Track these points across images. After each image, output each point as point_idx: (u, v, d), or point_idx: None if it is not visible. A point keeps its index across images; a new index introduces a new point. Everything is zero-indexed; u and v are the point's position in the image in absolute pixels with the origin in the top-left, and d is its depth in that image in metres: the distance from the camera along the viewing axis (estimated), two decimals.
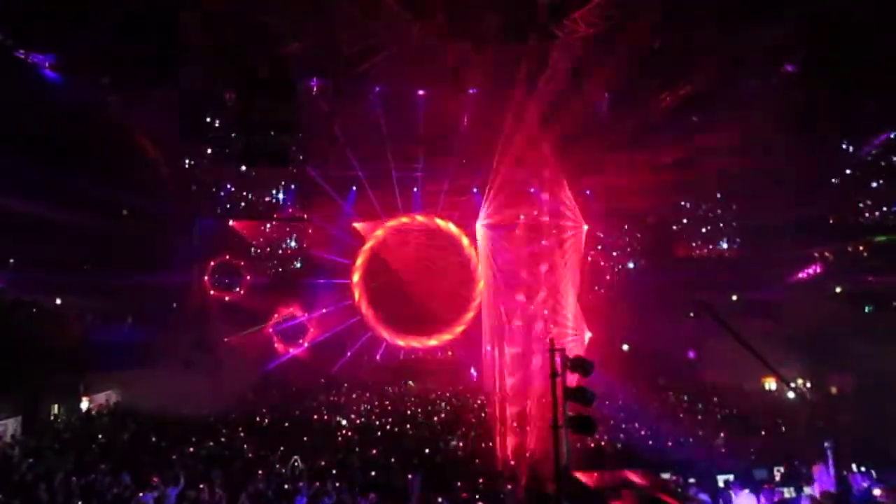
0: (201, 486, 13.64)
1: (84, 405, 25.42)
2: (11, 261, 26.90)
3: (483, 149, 33.40)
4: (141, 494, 13.06)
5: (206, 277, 35.73)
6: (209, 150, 34.09)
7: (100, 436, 20.58)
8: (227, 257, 36.21)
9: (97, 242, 28.24)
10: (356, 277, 35.69)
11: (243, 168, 34.74)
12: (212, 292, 35.69)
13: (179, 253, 33.30)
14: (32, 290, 25.89)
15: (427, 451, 18.44)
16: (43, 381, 21.61)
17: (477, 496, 12.56)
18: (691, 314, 32.38)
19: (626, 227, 37.85)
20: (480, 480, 14.18)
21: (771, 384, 29.70)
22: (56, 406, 23.75)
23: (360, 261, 35.76)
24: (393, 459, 17.46)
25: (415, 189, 36.33)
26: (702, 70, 26.24)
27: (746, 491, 12.21)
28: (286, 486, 13.91)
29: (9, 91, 22.31)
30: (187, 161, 35.00)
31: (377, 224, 35.90)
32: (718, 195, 36.58)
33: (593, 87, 28.46)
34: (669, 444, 18.96)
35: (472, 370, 33.97)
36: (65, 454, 17.30)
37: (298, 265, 37.24)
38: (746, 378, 28.46)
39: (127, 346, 26.79)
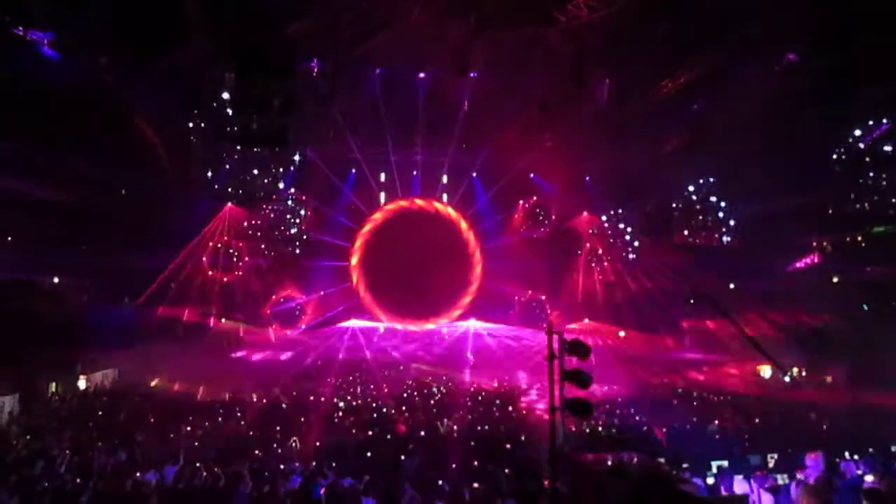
0: (198, 464, 13.70)
1: (81, 384, 25.49)
2: (9, 238, 26.83)
3: (483, 133, 33.39)
4: (138, 473, 13.12)
5: (204, 258, 35.69)
6: (207, 131, 33.95)
7: (99, 413, 20.72)
8: (226, 238, 36.17)
9: (95, 222, 28.17)
10: (354, 260, 35.70)
11: (242, 149, 34.59)
12: (210, 273, 35.66)
13: (178, 233, 33.23)
14: (30, 268, 25.88)
15: (422, 433, 18.56)
16: (40, 360, 21.66)
17: (472, 477, 12.62)
18: (691, 301, 32.46)
19: (625, 213, 37.82)
20: (475, 462, 14.24)
21: (766, 371, 29.87)
22: (54, 384, 23.82)
23: (358, 243, 35.77)
24: (388, 439, 17.60)
25: (414, 172, 36.28)
26: (703, 56, 26.12)
27: (740, 477, 12.27)
28: (282, 467, 13.97)
29: (7, 69, 22.15)
30: (186, 141, 34.84)
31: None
32: (718, 183, 36.58)
33: (594, 72, 28.32)
34: (664, 429, 19.06)
35: (469, 354, 34.08)
36: (62, 432, 17.38)
37: (297, 247, 37.18)
38: (742, 366, 28.65)
39: (124, 326, 26.83)
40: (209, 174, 35.70)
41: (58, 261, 26.99)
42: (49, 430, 17.78)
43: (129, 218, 30.13)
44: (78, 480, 12.70)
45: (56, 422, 19.28)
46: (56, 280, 28.25)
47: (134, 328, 26.82)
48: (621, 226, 37.88)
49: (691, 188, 36.84)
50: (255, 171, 36.54)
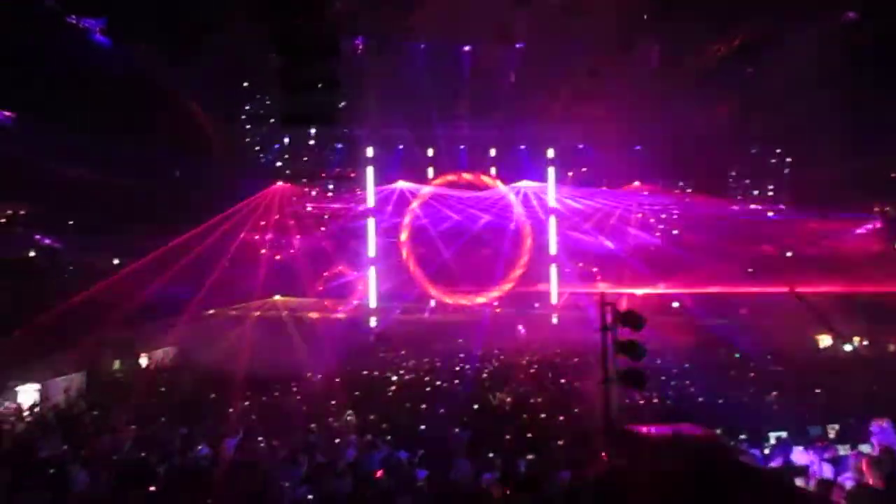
0: (258, 438, 14.02)
1: (143, 361, 26.28)
2: (70, 223, 27.65)
3: (531, 104, 33.03)
4: (199, 447, 13.49)
5: (256, 237, 36.29)
6: (256, 112, 34.38)
7: (160, 389, 21.36)
8: (277, 217, 36.70)
9: (149, 205, 28.85)
10: (404, 236, 35.86)
11: (290, 128, 34.94)
12: (263, 251, 36.26)
13: (230, 214, 33.79)
14: (90, 251, 26.67)
15: (475, 406, 18.61)
16: (104, 339, 22.36)
17: (525, 449, 12.62)
18: (750, 270, 31.73)
19: (679, 181, 37.13)
20: (529, 435, 14.23)
21: (826, 341, 29.10)
22: (117, 362, 24.59)
23: (407, 219, 35.89)
24: (441, 413, 17.70)
25: (461, 146, 36.13)
26: (758, 17, 25.29)
27: (800, 448, 12.01)
28: (337, 440, 14.19)
29: (62, 60, 22.68)
30: (234, 123, 35.33)
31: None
32: (774, 148, 35.63)
33: (644, 37, 27.71)
34: (720, 401, 18.74)
35: (520, 327, 34.03)
36: (126, 408, 17.96)
37: (346, 224, 37.50)
38: (801, 335, 27.92)
39: (182, 305, 27.49)
40: (259, 155, 36.19)
41: (116, 243, 27.75)
42: (114, 406, 18.37)
43: (181, 200, 30.84)
44: (143, 454, 13.13)
45: (120, 398, 19.92)
46: (116, 262, 29.04)
47: (190, 307, 27.42)
48: (674, 193, 37.23)
49: (747, 153, 35.96)
50: (304, 150, 36.89)
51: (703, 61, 28.42)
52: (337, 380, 22.83)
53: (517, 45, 30.07)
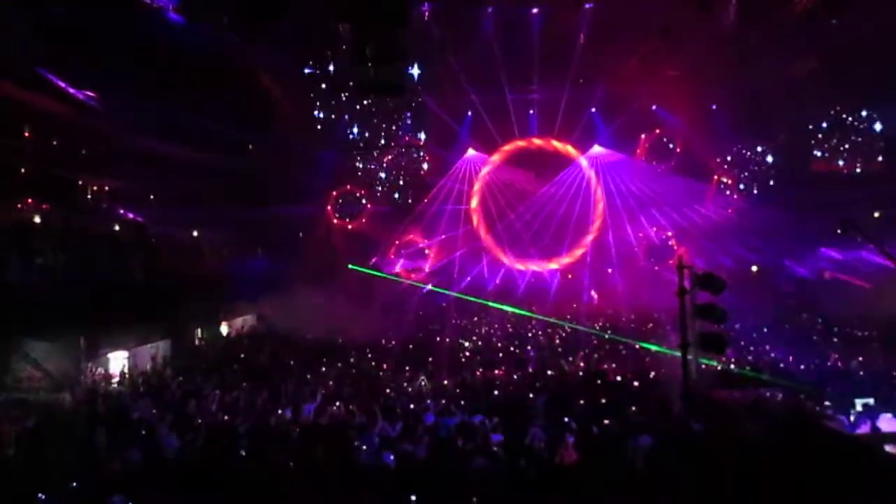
0: (336, 402, 14.37)
1: (224, 329, 27.17)
2: (152, 197, 28.57)
3: (601, 67, 32.26)
4: (280, 411, 13.91)
5: (329, 207, 36.87)
6: (327, 83, 34.70)
7: (241, 356, 22.08)
8: (349, 187, 37.15)
9: (227, 178, 29.56)
10: (474, 203, 35.82)
11: (361, 99, 35.18)
12: (335, 221, 36.84)
13: (303, 185, 34.39)
14: (172, 224, 27.56)
15: (549, 372, 18.61)
16: (187, 308, 23.14)
17: (600, 414, 12.56)
18: (838, 231, 30.40)
19: (757, 142, 35.82)
20: (603, 400, 14.14)
21: None
22: (199, 330, 25.48)
23: (477, 186, 35.82)
24: (515, 379, 17.76)
25: (531, 111, 35.67)
26: None
27: (888, 415, 11.60)
28: (412, 406, 14.41)
29: (140, 36, 23.26)
30: (307, 95, 35.73)
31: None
32: (857, 106, 33.92)
33: None
34: (802, 367, 18.21)
35: (593, 293, 33.68)
36: (210, 374, 18.65)
37: (417, 193, 37.66)
38: (889, 299, 26.71)
39: (259, 275, 28.20)
40: (331, 126, 36.58)
41: (195, 216, 28.60)
42: (199, 372, 19.09)
43: (256, 173, 31.52)
44: (226, 417, 13.64)
45: (204, 364, 20.68)
46: (195, 234, 29.94)
47: (269, 278, 28.11)
48: (752, 155, 35.96)
49: (829, 113, 34.36)
50: (375, 120, 37.09)
51: (780, 18, 27.15)
52: (411, 346, 23.15)
53: (587, 6, 29.31)
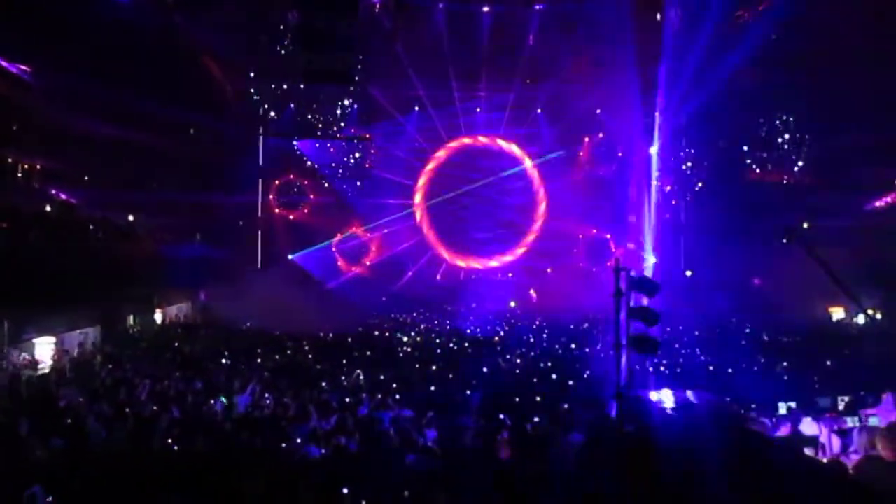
0: (268, 394, 14.18)
1: (157, 317, 26.54)
2: (86, 178, 27.69)
3: (549, 69, 32.59)
4: (212, 401, 13.66)
5: (270, 196, 36.36)
6: (273, 69, 34.16)
7: (174, 344, 21.60)
8: (292, 176, 36.70)
9: (166, 162, 28.87)
10: (418, 198, 35.80)
11: (306, 86, 34.74)
12: (276, 210, 36.35)
13: (245, 172, 33.83)
14: (106, 207, 26.77)
15: (486, 369, 18.71)
16: (120, 294, 22.53)
17: (534, 412, 12.70)
18: (784, 241, 31.31)
19: (695, 151, 36.67)
20: (538, 398, 14.31)
21: (839, 313, 28.92)
22: (132, 317, 24.84)
23: (422, 181, 35.79)
24: (451, 376, 17.81)
25: (478, 109, 35.82)
26: None
27: (808, 419, 12.01)
28: (348, 399, 14.31)
29: (80, 13, 22.52)
30: (251, 81, 35.14)
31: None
32: (791, 118, 35.05)
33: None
34: (729, 370, 18.75)
35: (531, 292, 34.06)
36: (141, 362, 18.18)
37: (361, 185, 37.43)
38: (813, 307, 27.73)
39: (196, 262, 27.64)
40: (273, 113, 36.05)
41: (131, 200, 27.85)
42: (129, 360, 18.60)
43: (197, 157, 30.84)
44: (156, 407, 13.32)
45: (135, 352, 20.16)
46: (131, 218, 29.16)
47: (205, 264, 27.58)
48: (690, 162, 36.83)
49: (763, 123, 35.42)
50: (320, 109, 36.69)
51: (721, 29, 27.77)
52: (349, 339, 23.02)
53: (537, 7, 29.60)
